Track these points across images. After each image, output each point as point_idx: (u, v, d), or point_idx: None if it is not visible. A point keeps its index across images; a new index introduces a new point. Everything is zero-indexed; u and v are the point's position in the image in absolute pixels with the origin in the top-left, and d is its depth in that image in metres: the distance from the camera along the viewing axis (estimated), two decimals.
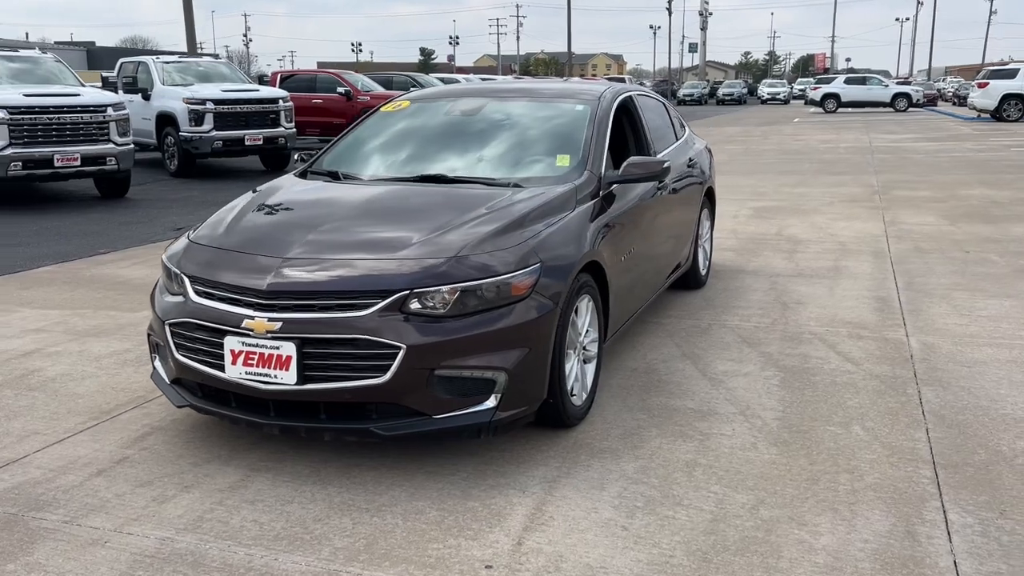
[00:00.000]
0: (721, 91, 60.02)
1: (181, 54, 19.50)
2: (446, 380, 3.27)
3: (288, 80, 20.79)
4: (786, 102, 56.69)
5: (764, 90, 59.14)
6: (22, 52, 13.37)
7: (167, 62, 16.33)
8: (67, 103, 11.60)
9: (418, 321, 3.23)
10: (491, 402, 3.33)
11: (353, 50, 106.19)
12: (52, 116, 11.45)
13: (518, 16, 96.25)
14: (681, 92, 59.72)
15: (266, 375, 3.27)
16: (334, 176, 4.54)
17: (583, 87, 5.09)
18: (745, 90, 61.61)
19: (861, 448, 3.59)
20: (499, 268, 3.37)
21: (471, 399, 3.31)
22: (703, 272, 6.39)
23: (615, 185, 4.38)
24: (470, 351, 3.27)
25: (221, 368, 3.37)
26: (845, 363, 4.65)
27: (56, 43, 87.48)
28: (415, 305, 3.25)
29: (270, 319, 3.26)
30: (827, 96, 40.55)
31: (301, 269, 3.37)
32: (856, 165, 15.31)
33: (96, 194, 12.52)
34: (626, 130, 5.29)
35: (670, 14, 78.19)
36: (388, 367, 3.19)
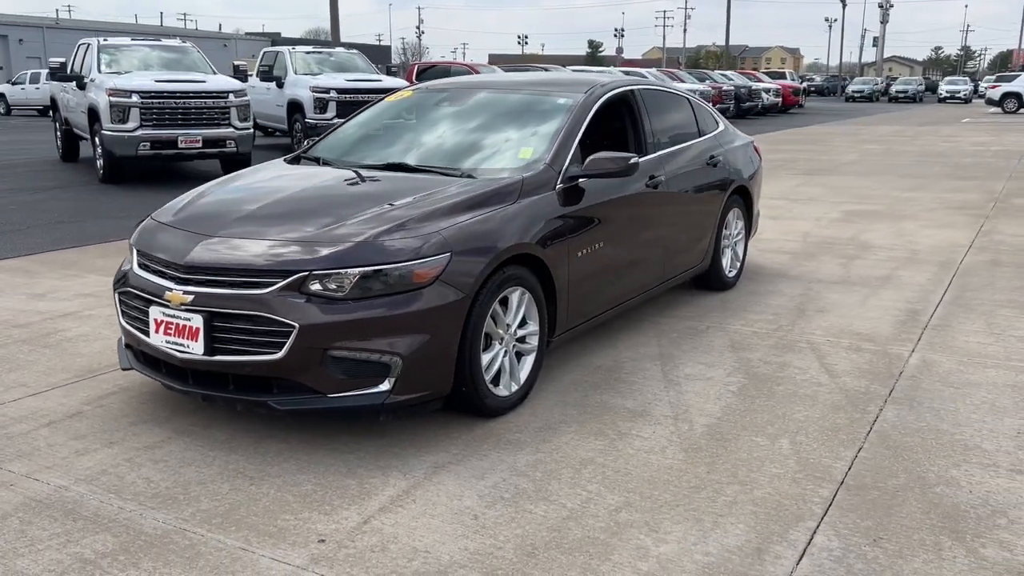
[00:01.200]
0: (894, 88, 56.62)
1: (318, 44, 20.46)
2: (340, 361, 3.39)
3: (425, 72, 21.42)
4: (967, 101, 52.85)
5: (943, 88, 55.36)
6: (165, 42, 14.46)
7: (304, 52, 17.23)
8: (193, 89, 12.49)
9: (317, 302, 3.36)
10: (385, 385, 3.42)
11: (519, 42, 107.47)
12: (179, 101, 12.36)
13: (686, 8, 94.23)
14: (850, 88, 56.87)
15: (181, 345, 3.50)
16: (318, 161, 4.74)
17: (582, 81, 5.05)
18: (922, 87, 57.85)
19: (772, 462, 3.44)
20: (403, 255, 3.45)
21: (365, 381, 3.42)
22: (729, 274, 6.18)
23: (582, 179, 4.35)
24: (365, 334, 3.37)
25: (148, 335, 3.63)
26: (821, 375, 4.43)
27: (247, 34, 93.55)
28: (315, 286, 3.38)
29: (184, 292, 3.49)
30: (1007, 95, 37.57)
31: (220, 246, 3.57)
32: (992, 170, 14.20)
33: (223, 174, 13.41)
34: (626, 125, 5.21)
35: (844, 5, 74.48)
36: (283, 344, 3.35)
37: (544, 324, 4.09)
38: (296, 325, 3.33)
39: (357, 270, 3.39)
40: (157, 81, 12.37)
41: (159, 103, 12.20)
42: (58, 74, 13.13)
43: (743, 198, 6.29)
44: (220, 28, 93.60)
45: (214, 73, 13.80)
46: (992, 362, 4.63)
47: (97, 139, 12.51)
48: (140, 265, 3.81)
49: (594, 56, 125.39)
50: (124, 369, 3.95)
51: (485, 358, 3.75)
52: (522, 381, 4.00)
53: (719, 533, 2.91)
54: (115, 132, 12.05)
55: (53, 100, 15.70)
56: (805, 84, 54.40)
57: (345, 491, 3.20)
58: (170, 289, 3.54)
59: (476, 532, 2.91)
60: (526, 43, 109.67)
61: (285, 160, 4.88)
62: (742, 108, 32.42)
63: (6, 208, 10.01)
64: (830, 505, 3.10)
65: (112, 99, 12.03)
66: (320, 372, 3.38)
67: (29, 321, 5.37)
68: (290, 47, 17.20)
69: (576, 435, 3.70)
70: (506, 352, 3.90)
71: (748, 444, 3.61)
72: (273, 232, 3.61)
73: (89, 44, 13.90)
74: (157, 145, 12.14)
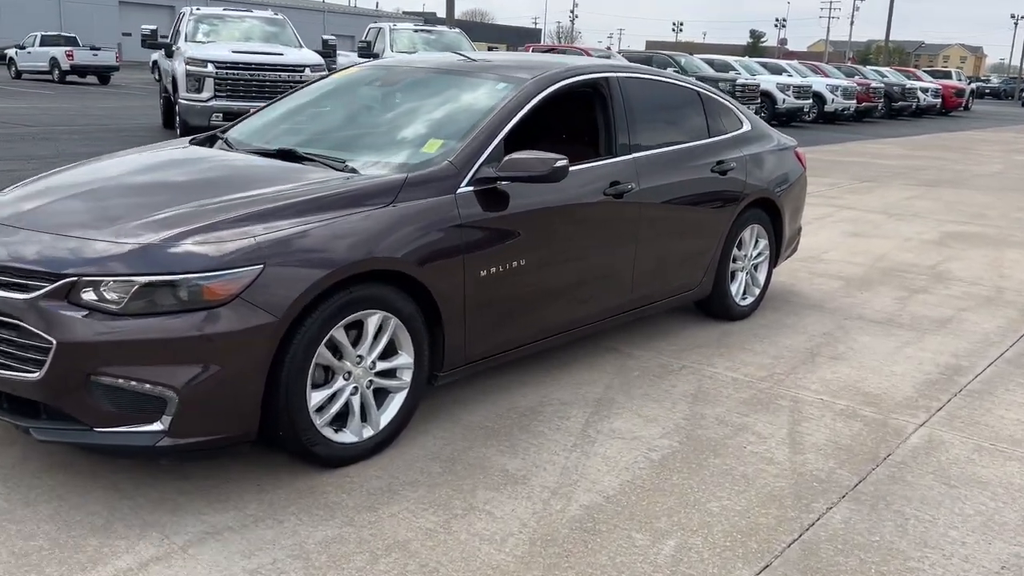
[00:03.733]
0: None
1: (436, 22, 20.05)
2: (107, 389, 2.77)
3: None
4: None
5: None
6: (258, 13, 14.36)
7: (410, 29, 16.86)
8: (269, 61, 12.27)
9: (85, 315, 2.76)
10: (158, 425, 2.79)
11: (674, 30, 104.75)
12: (254, 72, 12.17)
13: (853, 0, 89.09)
14: None
15: None
16: (226, 143, 4.15)
17: (537, 65, 4.22)
18: None
19: (634, 572, 2.60)
20: (195, 263, 2.80)
21: (137, 416, 2.79)
22: (741, 302, 5.21)
23: (503, 183, 3.57)
24: (137, 360, 2.74)
25: None
26: (781, 448, 3.49)
27: (404, 13, 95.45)
28: (88, 295, 2.77)
29: None
30: None
31: (9, 239, 3.02)
32: None
33: None
34: (590, 119, 4.37)
35: None
36: (43, 363, 2.77)
37: (423, 357, 3.36)
38: (54, 342, 2.73)
39: (137, 279, 2.76)
40: (234, 52, 12.22)
41: (234, 74, 12.05)
42: (148, 41, 13.22)
43: (768, 213, 5.29)
44: (377, 6, 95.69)
45: (300, 47, 13.57)
46: (1020, 452, 3.55)
47: (176, 108, 12.51)
48: None
49: (755, 47, 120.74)
50: None
51: (318, 396, 3.05)
52: (382, 425, 3.28)
53: None
54: (190, 101, 11.99)
55: (157, 66, 15.94)
56: (974, 85, 50.03)
57: (74, 553, 2.59)
58: None
59: None
60: (681, 30, 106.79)
61: (191, 141, 4.32)
62: (893, 108, 30.03)
63: None
64: None
65: (188, 68, 11.96)
66: (84, 400, 2.78)
67: None
68: (391, 23, 16.85)
69: (415, 504, 2.95)
70: (356, 389, 3.19)
71: (619, 543, 2.76)
72: (73, 225, 3.03)
73: (185, 12, 13.95)
74: (229, 116, 11.97)
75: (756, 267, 5.34)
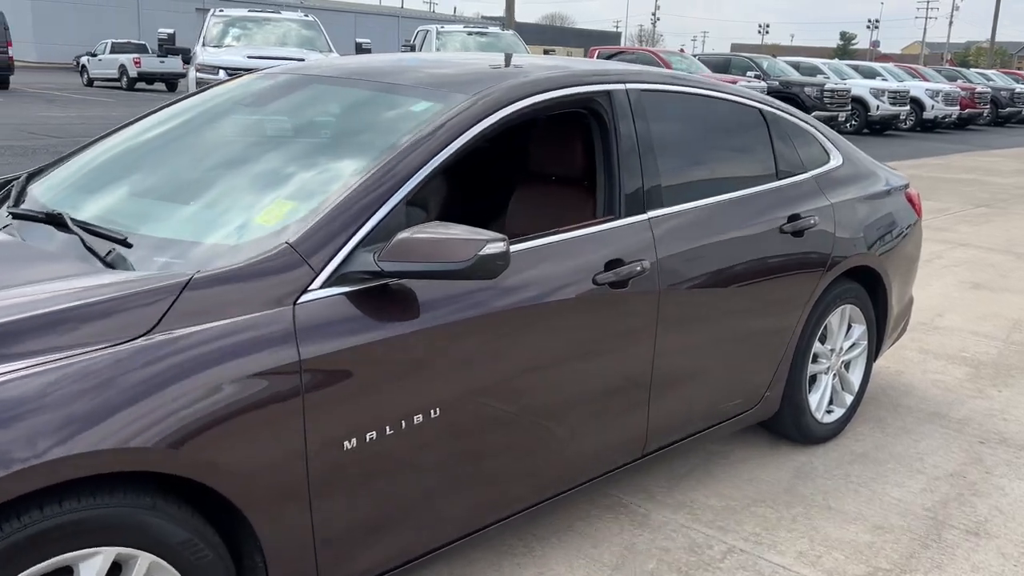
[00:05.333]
0: None
1: (490, 22, 18.67)
2: None
3: (609, 59, 19.20)
4: None
5: None
6: (284, 14, 13.14)
7: (461, 31, 15.47)
8: None
9: None
10: None
11: (759, 32, 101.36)
12: None
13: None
14: None
15: None
16: (9, 196, 2.68)
17: (492, 75, 2.63)
18: None
19: None
20: None
21: None
22: (824, 420, 3.54)
23: (396, 280, 2.03)
24: None
25: None
26: None
27: (484, 17, 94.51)
28: None
29: None
30: None
31: None
32: None
33: None
34: (587, 155, 2.79)
35: None
36: None
37: None
38: None
39: None
40: (249, 57, 10.96)
41: None
42: (164, 46, 12.09)
43: (867, 284, 3.61)
44: (455, 11, 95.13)
45: (329, 51, 12.27)
46: None
47: None
48: None
49: (845, 49, 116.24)
50: None
51: None
52: None
53: None
54: None
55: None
56: None
57: None
58: None
59: None
60: (767, 32, 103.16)
61: None
62: (1000, 115, 27.36)
63: None
64: None
65: (199, 75, 10.78)
66: None
67: None
68: (439, 25, 15.45)
69: None
70: None
71: None
72: None
73: (211, 13, 12.80)
74: None
75: (848, 364, 3.66)
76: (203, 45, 11.73)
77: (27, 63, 41.21)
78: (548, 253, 2.38)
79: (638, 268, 2.56)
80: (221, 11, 12.60)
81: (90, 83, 34.40)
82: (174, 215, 2.21)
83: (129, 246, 2.05)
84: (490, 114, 2.36)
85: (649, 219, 2.68)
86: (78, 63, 37.68)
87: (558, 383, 2.39)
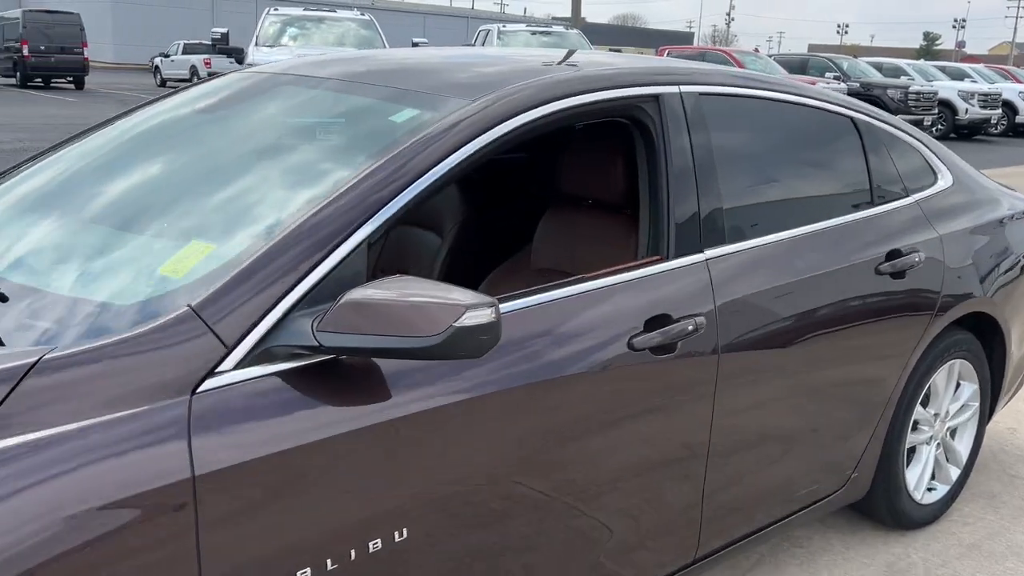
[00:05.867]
0: None
1: (537, 21, 18.13)
2: None
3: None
4: None
5: None
6: (341, 13, 12.77)
7: (525, 31, 14.95)
8: None
9: None
10: None
11: (838, 32, 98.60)
12: None
13: None
14: None
15: None
16: None
17: (528, 68, 2.07)
18: None
19: None
20: None
21: None
22: (925, 499, 2.87)
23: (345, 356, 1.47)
24: None
25: None
26: None
27: (554, 18, 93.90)
28: None
29: None
30: None
31: None
32: None
33: None
34: (626, 177, 2.19)
35: None
36: None
37: None
38: None
39: None
40: (300, 57, 10.57)
41: None
42: (218, 46, 11.80)
43: (981, 334, 2.93)
44: (525, 12, 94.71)
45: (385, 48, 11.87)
46: None
47: None
48: None
49: (928, 50, 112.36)
50: None
51: None
52: None
53: None
54: None
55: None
56: None
57: None
58: None
59: None
60: (846, 32, 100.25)
61: None
62: None
63: None
64: None
65: None
66: None
67: None
68: (501, 24, 14.93)
69: None
70: None
71: None
72: None
73: (267, 12, 12.50)
74: None
75: (954, 431, 2.98)
76: (256, 45, 11.41)
77: (104, 64, 42.02)
78: (569, 309, 1.80)
79: (690, 327, 1.95)
80: (276, 10, 12.27)
81: (163, 83, 34.87)
82: (72, 256, 1.69)
83: (5, 300, 1.54)
84: (493, 126, 1.78)
85: (707, 260, 2.07)
86: (152, 64, 38.36)
87: (578, 482, 1.81)
